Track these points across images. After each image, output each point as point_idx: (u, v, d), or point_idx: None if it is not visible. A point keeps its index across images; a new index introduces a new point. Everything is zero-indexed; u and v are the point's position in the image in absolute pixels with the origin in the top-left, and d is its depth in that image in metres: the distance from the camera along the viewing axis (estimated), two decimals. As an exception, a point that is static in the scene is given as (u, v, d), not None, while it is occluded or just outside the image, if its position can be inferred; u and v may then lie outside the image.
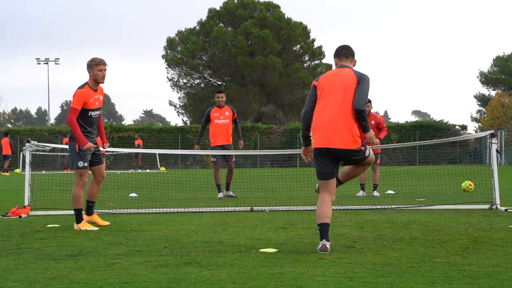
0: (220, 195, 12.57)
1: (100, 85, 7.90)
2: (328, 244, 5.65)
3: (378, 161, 13.24)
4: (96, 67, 7.71)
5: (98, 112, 7.85)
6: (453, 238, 6.41)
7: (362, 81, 5.95)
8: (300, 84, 55.86)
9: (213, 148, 12.80)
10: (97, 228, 7.60)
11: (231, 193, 12.73)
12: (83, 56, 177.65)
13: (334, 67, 6.28)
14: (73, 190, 7.76)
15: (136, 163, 35.19)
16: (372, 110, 13.31)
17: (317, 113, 5.99)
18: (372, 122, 13.00)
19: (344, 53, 6.18)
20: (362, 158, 6.03)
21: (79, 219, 7.66)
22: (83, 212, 7.92)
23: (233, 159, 12.91)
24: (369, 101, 13.07)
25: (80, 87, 7.70)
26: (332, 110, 5.88)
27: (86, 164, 7.73)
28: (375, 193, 12.80)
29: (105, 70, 7.77)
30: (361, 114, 5.86)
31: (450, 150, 41.38)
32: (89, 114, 7.71)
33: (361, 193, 12.89)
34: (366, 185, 13.32)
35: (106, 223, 7.98)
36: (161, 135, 41.93)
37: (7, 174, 29.01)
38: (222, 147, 12.71)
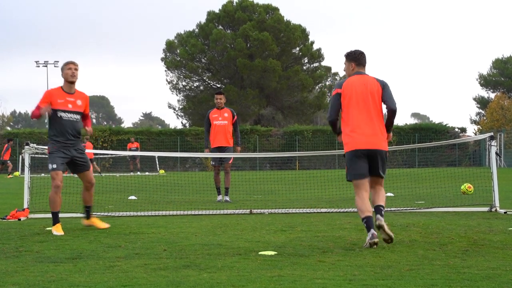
0: (219, 197, 12.55)
1: (79, 89, 7.93)
2: (375, 233, 6.05)
3: None
4: (65, 67, 7.81)
5: (72, 116, 7.76)
6: (452, 240, 6.41)
7: (385, 87, 6.55)
8: (300, 87, 55.93)
9: (212, 150, 12.74)
10: (62, 233, 7.40)
11: (228, 199, 12.49)
12: (83, 59, 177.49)
13: (349, 70, 6.69)
14: (50, 193, 7.76)
15: (134, 166, 35.18)
16: None
17: (353, 117, 6.42)
18: None
19: (363, 61, 6.68)
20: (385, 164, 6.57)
21: (53, 222, 7.61)
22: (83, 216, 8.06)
23: (230, 161, 12.78)
24: None
25: (54, 88, 7.86)
26: (368, 115, 6.40)
27: (55, 166, 7.67)
28: None
29: (74, 69, 7.81)
30: (395, 114, 6.55)
31: (450, 152, 41.41)
32: (58, 115, 7.69)
33: None
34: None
35: (106, 225, 7.98)
36: (160, 138, 41.95)
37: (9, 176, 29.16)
38: (220, 149, 12.59)
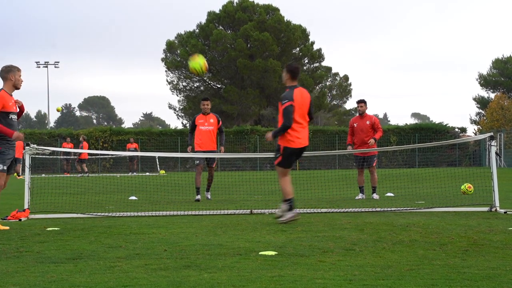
0: (198, 197, 12.92)
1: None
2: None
3: (375, 164, 13.15)
4: (18, 72, 8.00)
5: (16, 117, 8.02)
6: (452, 240, 6.41)
7: (311, 100, 8.56)
8: (300, 87, 55.86)
9: (196, 153, 13.28)
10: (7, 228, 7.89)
11: (209, 196, 13.18)
12: (83, 60, 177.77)
13: (285, 79, 8.48)
14: None
15: (132, 166, 35.29)
16: (372, 113, 13.35)
17: (297, 123, 8.26)
18: (367, 123, 13.02)
19: (298, 76, 8.53)
20: None
21: None
22: None
23: (214, 164, 13.37)
24: (364, 102, 13.23)
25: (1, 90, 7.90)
26: (304, 122, 8.38)
27: (5, 168, 7.91)
28: (375, 196, 12.81)
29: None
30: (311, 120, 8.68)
31: (450, 152, 41.41)
32: (10, 117, 7.88)
33: (360, 195, 12.90)
34: (365, 188, 13.33)
35: (5, 228, 7.96)
36: (161, 138, 41.93)
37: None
38: (206, 153, 13.09)
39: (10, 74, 7.95)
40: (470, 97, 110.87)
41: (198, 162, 13.28)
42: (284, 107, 8.20)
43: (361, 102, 13.26)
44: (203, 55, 52.77)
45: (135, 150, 35.34)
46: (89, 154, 34.88)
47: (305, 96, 8.43)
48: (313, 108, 8.55)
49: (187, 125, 59.82)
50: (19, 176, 29.70)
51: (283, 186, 8.32)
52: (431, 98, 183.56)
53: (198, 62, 9.41)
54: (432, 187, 15.28)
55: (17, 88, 8.06)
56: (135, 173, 33.82)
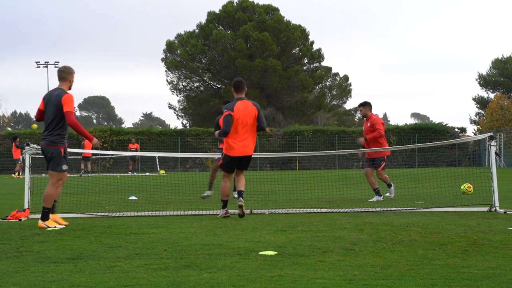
0: (209, 192, 13.36)
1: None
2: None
3: (381, 168, 12.62)
4: (74, 75, 8.15)
5: None
6: (452, 240, 6.42)
7: (259, 111, 9.19)
8: (300, 87, 55.91)
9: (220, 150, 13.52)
10: (64, 225, 8.13)
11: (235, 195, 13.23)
12: (83, 60, 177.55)
13: (234, 94, 9.24)
14: (51, 190, 8.00)
15: (132, 166, 35.29)
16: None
17: (237, 133, 9.03)
18: (368, 125, 12.65)
19: (241, 88, 9.19)
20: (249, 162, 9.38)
21: (46, 217, 8.01)
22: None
23: None
24: (363, 105, 12.80)
25: (67, 92, 8.00)
26: (246, 132, 9.08)
27: (67, 168, 8.14)
28: (391, 190, 12.57)
29: None
30: (264, 130, 9.29)
31: (449, 152, 41.41)
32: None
33: (375, 198, 12.45)
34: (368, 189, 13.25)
35: (66, 222, 8.25)
36: (161, 138, 41.91)
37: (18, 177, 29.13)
38: None
39: (70, 76, 8.07)
40: (470, 97, 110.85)
41: (218, 157, 13.37)
42: (223, 116, 9.08)
43: (360, 105, 12.84)
44: (203, 55, 52.39)
45: (137, 151, 35.32)
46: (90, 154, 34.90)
47: (249, 108, 9.08)
48: (262, 119, 9.19)
49: (187, 125, 59.91)
50: (19, 175, 29.73)
51: (222, 186, 9.30)
52: (431, 98, 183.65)
53: None
54: (432, 187, 15.28)
55: (70, 90, 8.15)
56: (135, 173, 33.79)
